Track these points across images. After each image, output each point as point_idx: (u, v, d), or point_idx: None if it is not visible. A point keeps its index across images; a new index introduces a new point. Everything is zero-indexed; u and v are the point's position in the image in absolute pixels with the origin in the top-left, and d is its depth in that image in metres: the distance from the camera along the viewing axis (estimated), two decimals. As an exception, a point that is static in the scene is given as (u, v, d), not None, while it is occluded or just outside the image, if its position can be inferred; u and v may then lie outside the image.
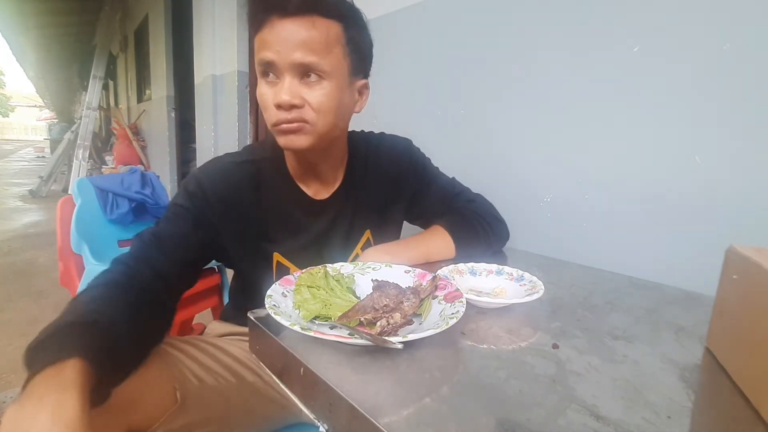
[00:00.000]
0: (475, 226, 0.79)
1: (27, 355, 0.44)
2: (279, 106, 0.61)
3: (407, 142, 0.86)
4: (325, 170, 0.74)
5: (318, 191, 0.76)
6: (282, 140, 0.65)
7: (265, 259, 0.74)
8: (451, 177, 0.89)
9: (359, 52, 0.67)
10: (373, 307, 0.48)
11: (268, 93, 0.62)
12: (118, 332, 0.50)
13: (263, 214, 0.72)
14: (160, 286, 0.61)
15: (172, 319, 0.65)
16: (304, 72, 0.61)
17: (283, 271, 0.74)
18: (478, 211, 0.82)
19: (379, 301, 0.49)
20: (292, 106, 0.61)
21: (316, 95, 0.62)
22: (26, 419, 0.38)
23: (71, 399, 0.40)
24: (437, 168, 0.89)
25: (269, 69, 0.62)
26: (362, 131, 0.85)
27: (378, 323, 0.45)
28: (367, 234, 0.81)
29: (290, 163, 0.74)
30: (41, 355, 0.43)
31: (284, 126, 0.63)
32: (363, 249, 0.79)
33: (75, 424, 0.39)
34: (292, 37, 0.59)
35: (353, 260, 0.72)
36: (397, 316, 0.46)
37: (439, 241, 0.76)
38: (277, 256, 0.74)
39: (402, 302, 0.49)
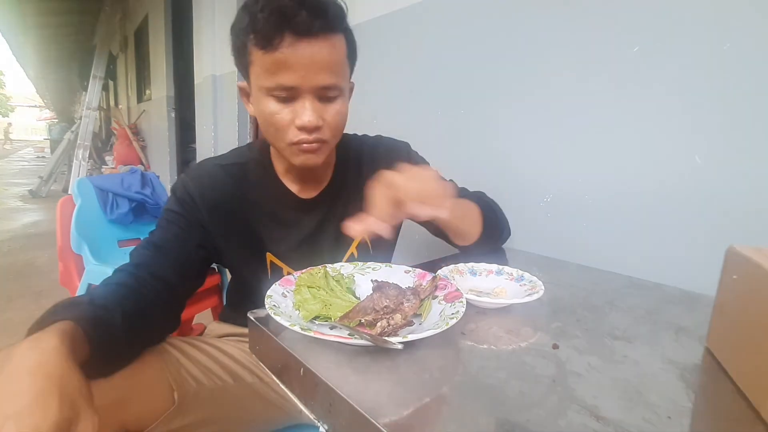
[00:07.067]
0: (496, 211, 0.81)
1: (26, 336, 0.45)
2: (303, 128, 0.61)
3: (405, 145, 0.86)
4: (311, 170, 0.75)
5: (303, 190, 0.76)
6: (300, 159, 0.65)
7: (258, 259, 0.74)
8: (449, 180, 0.89)
9: (354, 58, 0.67)
10: (374, 308, 0.48)
11: (282, 112, 0.61)
12: (113, 312, 0.51)
13: (252, 215, 0.73)
14: (163, 290, 0.61)
15: (176, 323, 0.65)
16: (323, 92, 0.61)
17: (276, 272, 0.75)
18: (489, 202, 0.83)
19: (379, 303, 0.49)
20: (315, 128, 0.61)
21: (333, 114, 0.63)
22: (5, 357, 0.40)
23: (50, 338, 0.41)
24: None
25: (287, 91, 0.59)
26: (358, 135, 0.85)
27: (378, 324, 0.45)
28: None
29: (276, 162, 0.75)
30: (35, 328, 0.45)
31: (305, 146, 0.63)
32: (358, 249, 0.79)
33: (51, 351, 0.40)
34: (316, 59, 0.57)
35: (348, 260, 0.72)
36: (398, 317, 0.46)
37: (474, 213, 0.73)
38: (270, 257, 0.74)
39: (402, 303, 0.49)
